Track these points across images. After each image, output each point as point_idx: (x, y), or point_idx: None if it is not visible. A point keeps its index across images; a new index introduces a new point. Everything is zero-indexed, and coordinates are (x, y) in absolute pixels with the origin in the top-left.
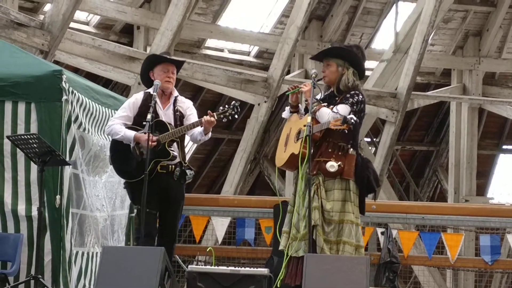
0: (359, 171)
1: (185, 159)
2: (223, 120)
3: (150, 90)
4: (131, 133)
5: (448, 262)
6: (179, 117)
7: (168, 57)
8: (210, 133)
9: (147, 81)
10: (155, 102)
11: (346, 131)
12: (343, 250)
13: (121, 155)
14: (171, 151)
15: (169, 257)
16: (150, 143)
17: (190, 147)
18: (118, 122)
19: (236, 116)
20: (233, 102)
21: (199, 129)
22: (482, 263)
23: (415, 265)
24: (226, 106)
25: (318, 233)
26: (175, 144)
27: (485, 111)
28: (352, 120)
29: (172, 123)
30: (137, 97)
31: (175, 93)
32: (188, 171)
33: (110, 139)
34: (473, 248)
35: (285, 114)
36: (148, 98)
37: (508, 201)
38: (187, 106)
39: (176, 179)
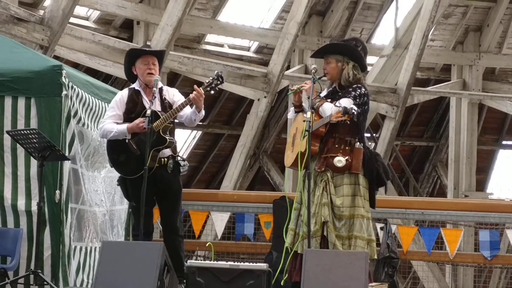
0: (368, 165)
1: (176, 151)
2: (211, 92)
3: (135, 85)
4: (123, 126)
5: (447, 257)
6: (168, 105)
7: (146, 49)
8: (203, 111)
9: (131, 77)
10: (155, 97)
11: (349, 122)
12: (355, 245)
13: (119, 155)
14: (167, 138)
15: (177, 253)
16: (143, 127)
17: (189, 143)
18: (109, 121)
19: (222, 83)
20: (216, 71)
21: (191, 109)
22: (481, 259)
23: (414, 260)
24: (211, 78)
25: (330, 230)
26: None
27: (485, 107)
28: (353, 110)
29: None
30: (122, 94)
31: (159, 84)
32: (181, 162)
33: (105, 142)
34: (473, 243)
35: (290, 115)
36: (133, 94)
37: (508, 196)
38: (173, 94)
39: (170, 172)
